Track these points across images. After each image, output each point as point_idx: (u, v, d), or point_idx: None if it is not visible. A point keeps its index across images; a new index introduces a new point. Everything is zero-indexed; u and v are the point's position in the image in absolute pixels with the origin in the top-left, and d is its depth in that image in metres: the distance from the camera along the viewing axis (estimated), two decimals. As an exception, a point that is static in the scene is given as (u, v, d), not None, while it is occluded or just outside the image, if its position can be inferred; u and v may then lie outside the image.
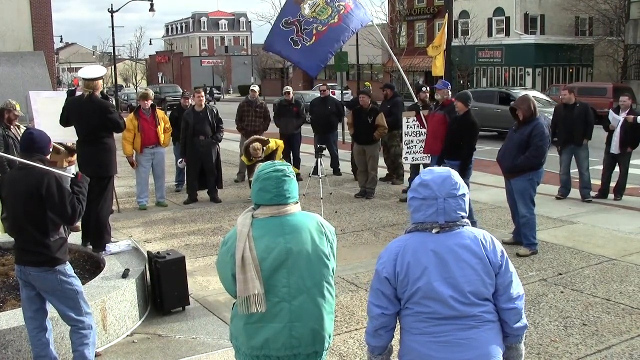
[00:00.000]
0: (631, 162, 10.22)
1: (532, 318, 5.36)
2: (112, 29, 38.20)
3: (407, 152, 10.21)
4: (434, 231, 2.68)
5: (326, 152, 10.86)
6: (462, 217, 2.71)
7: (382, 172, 11.69)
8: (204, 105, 10.24)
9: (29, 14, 25.24)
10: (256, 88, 12.17)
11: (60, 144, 7.09)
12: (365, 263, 6.95)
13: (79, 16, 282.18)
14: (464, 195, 2.71)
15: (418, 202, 2.72)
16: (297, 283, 2.81)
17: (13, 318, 4.57)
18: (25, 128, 5.91)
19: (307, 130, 13.38)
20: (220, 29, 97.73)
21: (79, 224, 6.29)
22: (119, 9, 36.36)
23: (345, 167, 12.76)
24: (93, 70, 6.68)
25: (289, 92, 12.36)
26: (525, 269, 6.68)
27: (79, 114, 6.57)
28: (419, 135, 9.92)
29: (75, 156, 6.90)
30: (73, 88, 8.90)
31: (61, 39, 71.66)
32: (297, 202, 2.92)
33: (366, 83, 17.45)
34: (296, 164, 11.99)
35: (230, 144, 16.34)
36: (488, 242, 2.70)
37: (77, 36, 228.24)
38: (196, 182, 10.41)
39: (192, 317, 5.61)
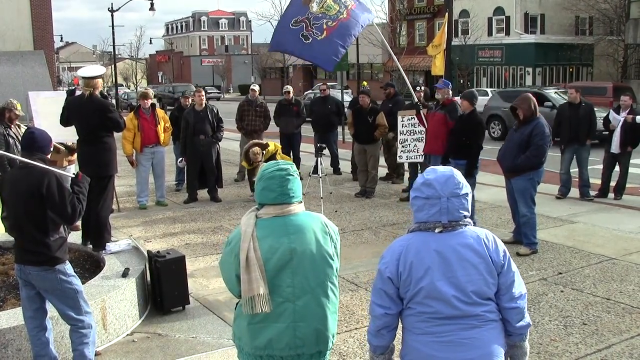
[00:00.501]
0: (631, 161, 10.23)
1: (532, 317, 5.31)
2: (113, 28, 38.21)
3: (401, 151, 10.20)
4: (436, 231, 2.67)
5: (326, 151, 10.86)
6: (465, 216, 2.71)
7: (382, 171, 11.69)
8: (204, 105, 10.25)
9: (29, 13, 25.19)
10: (256, 87, 12.16)
11: (61, 143, 7.09)
12: (366, 262, 6.96)
13: (79, 15, 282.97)
14: (466, 194, 2.71)
15: (421, 201, 2.71)
16: (302, 283, 2.81)
17: (13, 317, 4.57)
18: (25, 128, 5.91)
19: (307, 129, 13.38)
20: (220, 29, 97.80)
21: (79, 223, 6.27)
22: (119, 8, 36.35)
23: (345, 166, 12.76)
24: (93, 70, 6.69)
25: (289, 92, 12.36)
26: (525, 269, 6.67)
27: (79, 114, 6.56)
28: (414, 134, 9.92)
29: (75, 155, 6.90)
30: (73, 88, 8.90)
31: (61, 38, 71.60)
32: (301, 202, 2.92)
33: (364, 83, 17.41)
34: (296, 163, 11.99)
35: (230, 144, 16.33)
36: (490, 242, 2.70)
37: (77, 35, 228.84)
38: (196, 182, 10.41)
39: (192, 316, 5.60)
